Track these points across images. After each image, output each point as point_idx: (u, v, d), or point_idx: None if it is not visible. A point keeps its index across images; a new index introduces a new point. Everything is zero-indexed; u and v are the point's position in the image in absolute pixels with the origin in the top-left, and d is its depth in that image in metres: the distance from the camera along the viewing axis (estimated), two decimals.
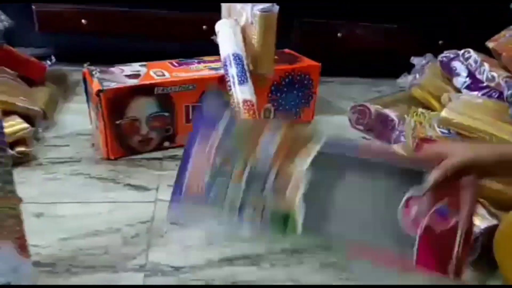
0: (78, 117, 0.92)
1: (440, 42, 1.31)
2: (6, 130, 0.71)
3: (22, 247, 0.45)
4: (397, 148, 0.79)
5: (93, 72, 0.77)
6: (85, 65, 0.80)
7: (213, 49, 0.88)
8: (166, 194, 0.70)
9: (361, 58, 1.35)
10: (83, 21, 1.11)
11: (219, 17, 0.96)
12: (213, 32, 0.89)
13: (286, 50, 1.05)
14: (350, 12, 1.24)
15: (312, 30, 1.26)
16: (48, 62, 1.07)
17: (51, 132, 0.87)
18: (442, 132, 0.72)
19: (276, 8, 0.80)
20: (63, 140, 0.84)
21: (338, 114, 1.07)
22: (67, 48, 1.25)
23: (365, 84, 1.33)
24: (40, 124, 0.84)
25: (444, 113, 0.70)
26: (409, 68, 1.07)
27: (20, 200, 0.45)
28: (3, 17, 0.88)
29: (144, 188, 0.71)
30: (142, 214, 0.65)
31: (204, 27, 1.15)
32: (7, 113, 0.76)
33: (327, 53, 1.27)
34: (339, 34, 1.26)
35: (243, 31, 0.84)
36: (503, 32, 1.00)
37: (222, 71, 0.83)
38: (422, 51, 1.09)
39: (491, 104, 0.77)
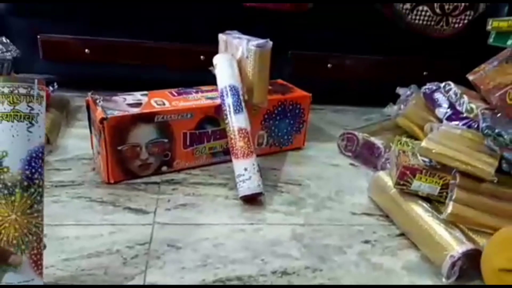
0: (80, 142, 0.96)
1: (425, 73, 1.39)
2: None
3: (36, 263, 0.49)
4: (382, 174, 0.84)
5: (97, 101, 0.82)
6: (89, 93, 0.84)
7: (210, 79, 0.94)
8: (163, 217, 0.74)
9: (351, 87, 1.42)
10: (86, 50, 1.17)
11: (215, 49, 1.02)
12: (210, 62, 0.95)
13: (279, 80, 1.11)
14: (339, 45, 1.31)
15: (304, 61, 1.33)
16: (51, 88, 1.11)
17: (54, 156, 0.91)
18: (424, 161, 0.77)
19: (269, 44, 0.87)
20: (66, 164, 0.88)
21: (328, 141, 1.13)
22: (69, 75, 1.30)
23: (355, 112, 1.40)
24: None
25: (424, 144, 0.75)
26: (395, 97, 1.14)
27: (42, 221, 0.50)
28: (11, 47, 0.93)
29: (143, 211, 0.75)
30: (141, 236, 0.68)
31: (201, 57, 1.21)
32: None
33: (319, 83, 1.35)
34: (329, 65, 1.33)
35: (239, 64, 0.90)
36: (483, 66, 1.07)
37: (218, 100, 0.89)
38: (408, 81, 1.16)
39: (468, 134, 0.82)
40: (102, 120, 0.76)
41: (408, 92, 1.12)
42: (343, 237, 0.74)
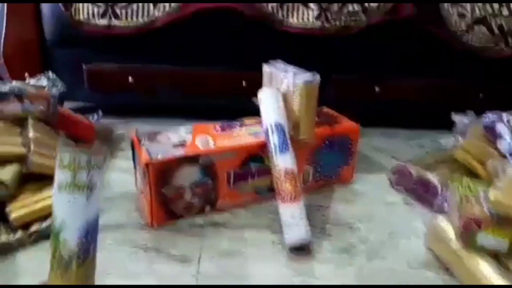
0: (124, 176, 0.95)
1: (481, 95, 1.29)
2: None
3: None
4: (441, 221, 0.77)
5: (142, 141, 0.81)
6: (134, 131, 0.83)
7: (252, 107, 0.90)
8: (207, 266, 0.71)
9: (400, 110, 1.35)
10: (130, 78, 1.17)
11: (257, 75, 0.98)
12: (252, 88, 0.91)
13: (324, 108, 1.06)
14: (386, 67, 1.25)
15: (349, 86, 1.27)
16: (95, 116, 1.12)
17: None
18: (491, 213, 0.70)
19: (317, 78, 0.82)
20: (109, 202, 0.87)
21: (378, 172, 1.06)
22: (113, 102, 1.31)
23: (405, 136, 1.31)
24: None
25: (493, 195, 0.68)
26: (448, 121, 1.05)
27: None
28: (58, 82, 0.94)
29: (186, 259, 0.73)
30: None
31: (243, 83, 1.18)
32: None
33: (366, 106, 1.29)
34: (376, 88, 1.26)
35: (285, 98, 0.86)
36: None
37: (263, 136, 0.85)
38: (462, 104, 1.07)
39: None
40: (147, 164, 0.74)
41: (466, 121, 1.03)
42: None
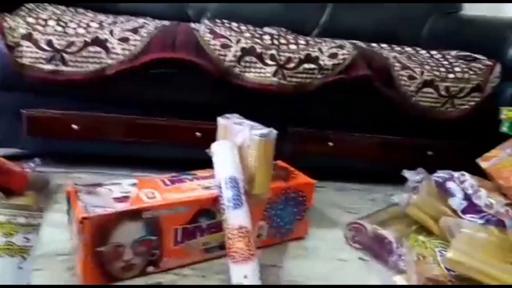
0: (57, 232, 0.84)
1: (429, 153, 1.34)
2: None
3: None
4: (399, 280, 0.74)
5: (79, 193, 0.73)
6: (72, 184, 0.76)
7: (206, 157, 0.85)
8: None
9: (353, 165, 1.36)
10: (74, 126, 1.09)
11: (211, 126, 0.94)
12: (206, 139, 0.87)
13: (279, 163, 1.04)
14: (340, 124, 1.27)
15: (304, 138, 1.26)
16: (32, 164, 1.03)
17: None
18: (448, 271, 0.68)
19: (274, 133, 0.80)
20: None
21: (332, 227, 1.03)
22: (55, 152, 1.22)
23: (359, 191, 1.32)
24: None
25: (451, 255, 0.66)
26: (399, 177, 1.06)
27: None
28: None
29: None
30: None
31: (197, 134, 1.15)
32: None
33: (319, 159, 1.28)
34: (330, 143, 1.27)
35: (240, 152, 0.83)
36: (494, 151, 1.01)
37: (215, 190, 0.80)
38: (412, 160, 1.09)
39: (494, 239, 0.74)
40: (82, 219, 0.67)
41: (417, 177, 1.05)
42: None
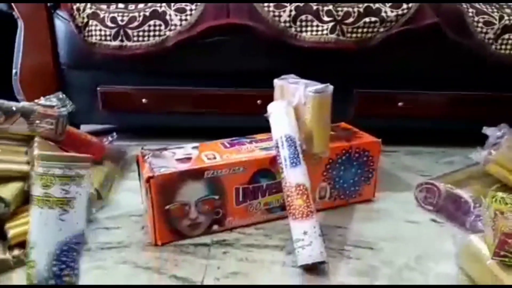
0: (132, 196, 0.92)
1: None
2: None
3: None
4: (474, 239, 0.69)
5: (146, 157, 0.78)
6: (141, 148, 0.81)
7: (267, 124, 0.86)
8: None
9: (426, 126, 1.27)
10: (143, 100, 1.16)
11: (271, 93, 0.95)
12: (266, 107, 0.87)
13: (343, 124, 1.00)
14: (410, 81, 1.18)
15: (369, 99, 1.21)
16: (110, 138, 1.11)
17: (105, 213, 0.87)
18: None
19: (330, 88, 0.77)
20: (115, 221, 0.84)
21: (403, 191, 0.98)
22: (128, 125, 1.31)
23: (433, 154, 1.23)
24: (95, 205, 0.85)
25: None
26: (480, 138, 0.97)
27: None
28: (67, 102, 0.94)
29: (189, 281, 0.67)
30: None
31: (258, 101, 1.15)
32: None
33: (389, 123, 1.22)
34: (399, 104, 1.20)
35: (296, 111, 0.81)
36: None
37: (273, 151, 0.80)
38: (495, 119, 0.99)
39: None
40: (148, 178, 0.71)
41: (499, 133, 0.94)
42: None
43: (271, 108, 0.83)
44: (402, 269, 0.71)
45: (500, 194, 0.73)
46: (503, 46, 1.08)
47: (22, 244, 0.69)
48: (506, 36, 1.07)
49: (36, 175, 0.40)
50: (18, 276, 0.67)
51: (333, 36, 1.05)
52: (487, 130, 0.98)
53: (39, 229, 0.40)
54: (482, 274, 0.65)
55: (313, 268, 0.69)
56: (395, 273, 0.70)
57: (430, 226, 0.85)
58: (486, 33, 1.07)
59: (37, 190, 0.40)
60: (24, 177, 0.76)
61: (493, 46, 1.08)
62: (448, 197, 0.87)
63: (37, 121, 0.83)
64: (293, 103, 0.82)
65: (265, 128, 0.89)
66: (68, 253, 0.41)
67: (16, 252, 0.68)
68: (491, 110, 1.19)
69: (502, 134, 0.93)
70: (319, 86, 0.77)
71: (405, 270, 0.71)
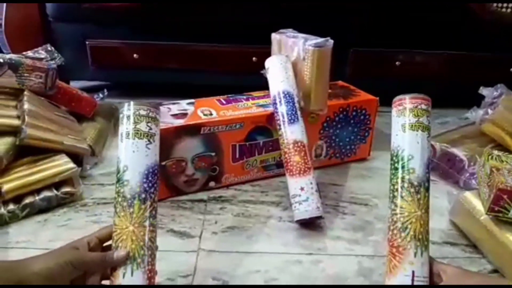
0: None
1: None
2: (52, 171, 0.72)
3: (150, 280, 0.48)
4: (469, 195, 0.70)
5: None
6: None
7: (264, 82, 0.84)
8: (209, 242, 0.66)
9: (422, 87, 1.26)
10: (135, 55, 1.12)
11: (268, 50, 0.93)
12: (263, 65, 0.85)
13: (340, 82, 0.99)
14: (408, 40, 1.16)
15: (368, 59, 1.19)
16: (100, 95, 1.08)
17: (99, 169, 0.86)
18: None
19: (330, 42, 0.75)
20: (110, 178, 0.83)
21: None
22: (119, 81, 1.27)
23: None
24: (88, 161, 0.84)
25: None
26: (476, 97, 0.96)
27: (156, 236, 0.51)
28: (56, 55, 0.90)
29: (187, 235, 0.67)
30: (184, 267, 0.60)
31: (254, 59, 1.12)
32: (54, 151, 0.76)
33: (385, 83, 1.20)
34: (397, 63, 1.18)
35: (295, 67, 0.79)
36: None
37: (271, 109, 0.79)
38: (491, 79, 0.98)
39: None
40: None
41: (495, 93, 0.94)
42: None
43: (269, 62, 0.81)
44: None
45: (496, 152, 0.74)
46: (505, 5, 1.05)
47: (16, 199, 0.69)
48: None
49: (125, 114, 0.50)
50: (13, 230, 0.67)
51: None
52: (483, 90, 0.97)
53: (131, 155, 0.48)
54: (475, 229, 0.66)
55: (309, 223, 0.70)
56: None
57: None
58: None
59: (126, 126, 0.49)
60: (15, 131, 0.74)
61: (495, 5, 1.05)
62: (443, 155, 0.88)
63: (26, 74, 0.80)
64: (292, 58, 0.80)
65: (260, 87, 0.88)
66: (153, 175, 0.49)
67: (11, 206, 0.67)
68: (489, 71, 1.17)
69: (500, 93, 0.93)
70: (319, 40, 0.75)
71: None
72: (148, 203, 0.48)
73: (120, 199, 0.47)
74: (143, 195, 0.47)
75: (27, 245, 0.64)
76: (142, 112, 0.49)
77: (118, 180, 0.48)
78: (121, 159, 0.49)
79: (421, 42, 1.17)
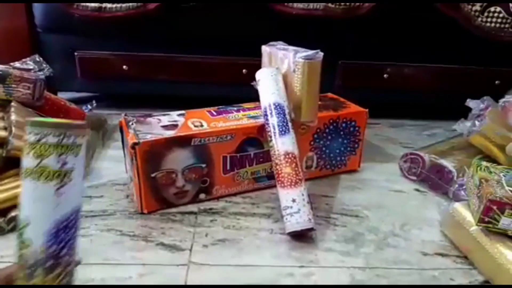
0: (115, 165, 0.90)
1: (497, 82, 1.22)
2: None
3: None
4: (458, 206, 0.70)
5: (130, 123, 0.75)
6: (123, 114, 0.78)
7: (254, 94, 0.84)
8: (200, 255, 0.65)
9: (410, 99, 1.28)
10: (124, 67, 1.12)
11: (259, 62, 0.93)
12: (253, 77, 0.85)
13: (329, 94, 1.00)
14: (396, 53, 1.18)
15: (356, 72, 1.20)
16: (89, 107, 1.07)
17: (86, 182, 0.85)
18: None
19: (320, 55, 0.75)
20: (98, 190, 0.82)
21: (387, 162, 0.99)
22: (109, 93, 1.27)
23: (415, 127, 1.25)
24: None
25: None
26: (463, 109, 0.98)
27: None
28: (44, 65, 0.89)
29: (177, 248, 0.66)
30: (174, 280, 0.59)
31: (244, 71, 1.13)
32: None
33: (373, 95, 1.22)
34: (385, 75, 1.20)
35: (285, 79, 0.80)
36: None
37: (261, 120, 0.79)
38: (477, 92, 1.00)
39: None
40: (133, 145, 0.69)
41: (482, 105, 0.96)
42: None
43: (260, 74, 0.81)
44: (387, 236, 0.72)
45: (484, 163, 0.75)
46: (489, 19, 1.08)
47: (2, 212, 0.67)
48: (492, 8, 1.07)
49: (27, 145, 0.34)
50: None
51: (322, 3, 1.02)
52: (470, 102, 0.99)
53: (34, 204, 0.35)
54: (466, 240, 0.66)
55: (301, 235, 0.69)
56: (380, 239, 0.71)
57: (414, 195, 0.87)
58: (472, 5, 1.06)
59: (29, 162, 0.34)
60: (2, 143, 0.72)
61: (479, 19, 1.08)
62: (432, 167, 0.88)
63: (13, 85, 0.79)
64: (282, 70, 0.81)
65: (251, 99, 0.88)
66: (67, 231, 0.36)
67: None
68: (476, 84, 1.20)
69: (486, 106, 0.95)
70: (309, 52, 0.75)
71: (390, 236, 0.72)
72: (58, 270, 0.36)
73: (21, 261, 0.36)
74: (50, 262, 0.35)
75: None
76: (51, 140, 0.34)
77: (19, 235, 0.36)
78: (22, 205, 0.35)
79: (409, 55, 1.19)
